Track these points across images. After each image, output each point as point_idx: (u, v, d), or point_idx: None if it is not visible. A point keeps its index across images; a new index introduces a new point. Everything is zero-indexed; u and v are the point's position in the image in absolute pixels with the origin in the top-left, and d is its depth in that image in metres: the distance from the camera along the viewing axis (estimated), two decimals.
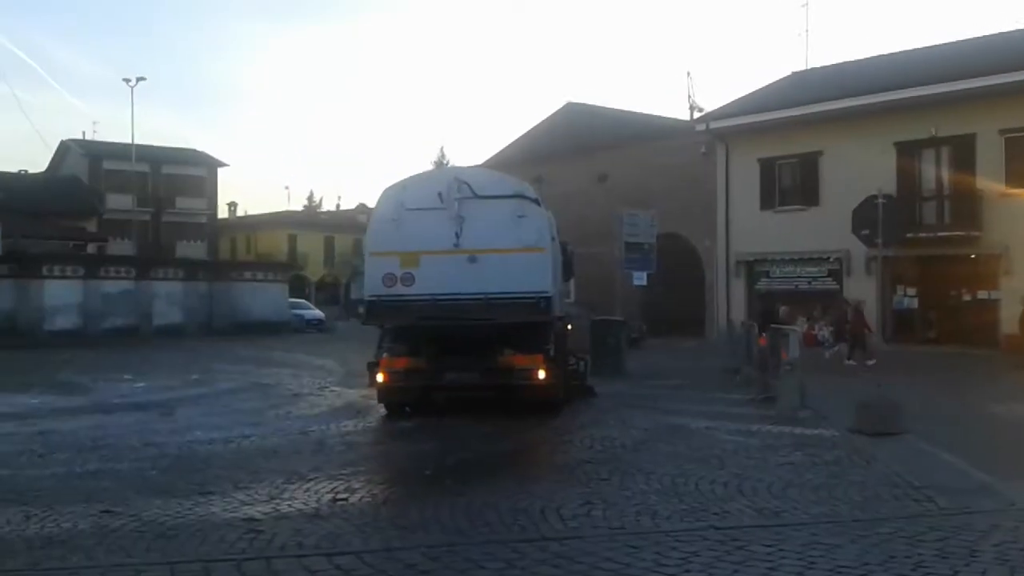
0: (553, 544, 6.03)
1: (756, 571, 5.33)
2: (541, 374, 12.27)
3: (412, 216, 12.31)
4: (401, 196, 12.62)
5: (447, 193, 12.29)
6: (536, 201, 12.80)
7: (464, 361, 12.47)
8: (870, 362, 19.66)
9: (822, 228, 26.79)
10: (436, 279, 12.15)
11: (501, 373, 12.36)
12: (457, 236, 12.20)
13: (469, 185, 12.39)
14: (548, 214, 13.24)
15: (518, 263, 12.22)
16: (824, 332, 26.90)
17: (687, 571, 5.35)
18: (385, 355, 12.70)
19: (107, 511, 7.08)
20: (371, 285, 12.50)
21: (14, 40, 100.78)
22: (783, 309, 26.78)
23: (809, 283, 28.41)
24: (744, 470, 8.65)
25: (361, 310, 13.65)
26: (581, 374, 15.41)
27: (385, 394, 12.86)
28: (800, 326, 21.07)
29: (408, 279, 12.20)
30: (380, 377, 12.56)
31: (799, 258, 28.35)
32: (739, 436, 10.71)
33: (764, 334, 19.54)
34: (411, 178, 13.46)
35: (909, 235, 22.83)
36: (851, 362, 20.00)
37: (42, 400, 15.02)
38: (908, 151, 25.85)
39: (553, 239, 13.14)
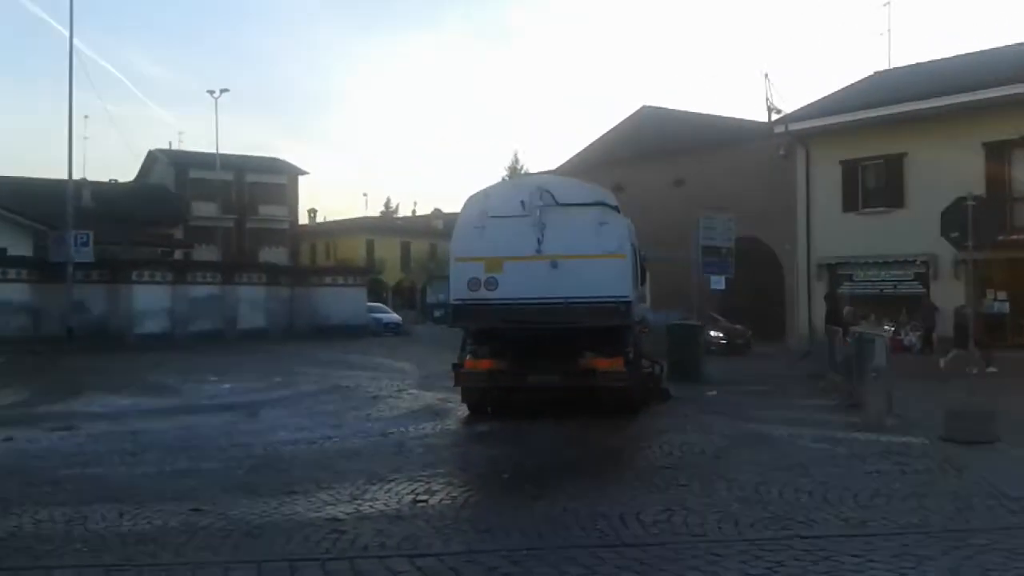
0: (633, 550, 5.98)
1: None
2: (621, 377, 12.58)
3: (496, 223, 12.74)
4: (485, 204, 13.09)
5: (530, 201, 12.68)
6: (616, 208, 13.10)
7: (546, 363, 12.73)
8: (991, 369, 18.59)
9: (907, 231, 26.03)
10: (519, 284, 12.52)
11: (582, 375, 12.64)
12: (539, 242, 12.54)
13: (551, 193, 12.74)
14: (628, 221, 13.48)
15: (599, 269, 12.51)
16: (911, 337, 26.19)
17: None
18: (469, 357, 13.04)
19: (196, 509, 7.27)
20: (456, 289, 12.92)
21: (103, 55, 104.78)
22: (848, 310, 26.14)
23: (894, 287, 27.62)
24: (829, 478, 8.46)
25: (437, 314, 14.04)
26: (656, 377, 15.53)
27: (468, 395, 13.32)
28: (886, 331, 20.40)
29: (492, 283, 12.60)
30: (464, 378, 13.04)
31: (883, 261, 27.58)
32: (824, 444, 10.48)
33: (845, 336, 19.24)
34: (494, 186, 14.04)
35: (1000, 237, 22.02)
36: (992, 369, 18.62)
37: (133, 401, 15.49)
38: (997, 152, 24.93)
39: (632, 246, 13.36)
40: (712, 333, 27.16)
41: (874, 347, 12.75)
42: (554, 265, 12.48)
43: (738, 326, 28.56)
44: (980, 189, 21.76)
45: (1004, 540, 6.17)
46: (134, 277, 33.18)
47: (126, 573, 5.54)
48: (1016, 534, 6.37)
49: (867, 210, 28.04)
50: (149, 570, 5.61)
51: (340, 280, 40.69)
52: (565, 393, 13.26)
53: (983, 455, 9.53)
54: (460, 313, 12.99)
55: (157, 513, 7.18)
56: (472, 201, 13.38)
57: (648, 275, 15.78)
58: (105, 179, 56.74)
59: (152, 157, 61.60)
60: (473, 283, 12.68)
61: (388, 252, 69.38)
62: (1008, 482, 8.06)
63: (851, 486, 8.08)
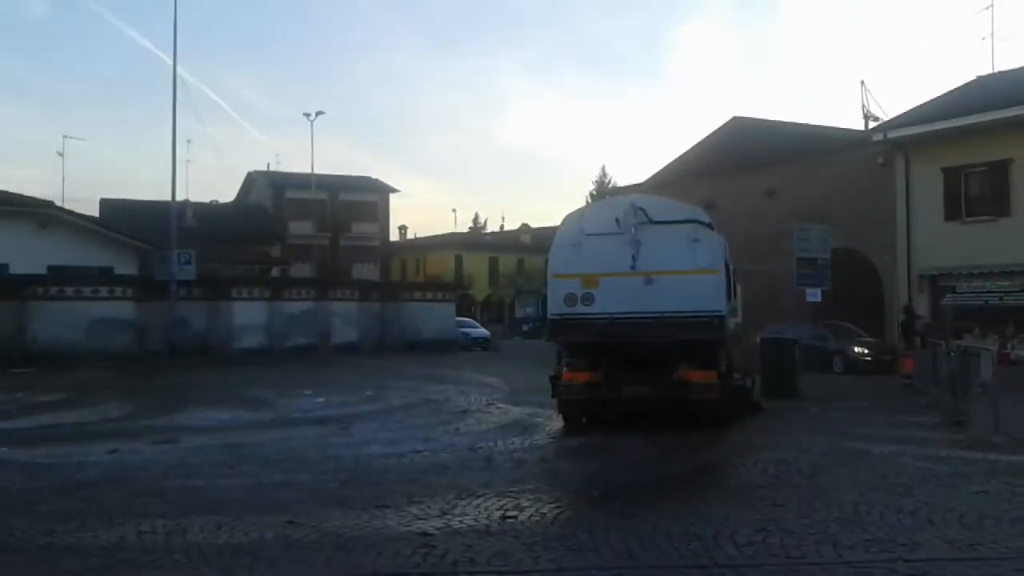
0: (727, 571, 5.84)
1: None
2: (714, 390, 12.89)
3: (591, 241, 13.14)
4: (581, 222, 13.51)
5: (624, 219, 13.02)
6: (710, 225, 13.39)
7: (641, 376, 13.12)
8: None
9: (1014, 240, 24.97)
10: (614, 299, 12.87)
11: (675, 388, 12.95)
12: (634, 259, 12.88)
13: (645, 211, 13.07)
14: (721, 238, 13.75)
15: (692, 284, 12.78)
16: (1020, 350, 25.04)
17: None
18: (566, 370, 13.51)
19: (291, 522, 7.40)
20: (554, 304, 13.29)
21: (205, 81, 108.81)
22: (920, 322, 25.12)
23: (1000, 299, 26.43)
24: (933, 499, 8.13)
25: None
26: (748, 390, 15.63)
27: (566, 407, 13.73)
28: (992, 344, 19.55)
29: (588, 299, 12.99)
30: (562, 391, 13.49)
31: (989, 272, 26.44)
32: (927, 462, 10.08)
33: (909, 351, 18.80)
34: (590, 205, 15.07)
35: None
36: None
37: (232, 415, 15.89)
38: None
39: (725, 261, 13.58)
40: (856, 349, 26.01)
41: (979, 361, 12.22)
42: (648, 281, 12.80)
43: (882, 341, 26.66)
44: None
45: None
46: (233, 294, 34.16)
47: None
48: None
49: (971, 219, 26.96)
50: None
51: (430, 295, 41.12)
52: (659, 405, 13.43)
53: None
54: (557, 328, 13.31)
55: (253, 525, 7.33)
56: (569, 219, 13.81)
57: (739, 289, 15.85)
58: (207, 200, 58.90)
59: (251, 178, 63.65)
60: (570, 298, 13.05)
61: (476, 267, 69.92)
62: None
63: (956, 507, 7.75)
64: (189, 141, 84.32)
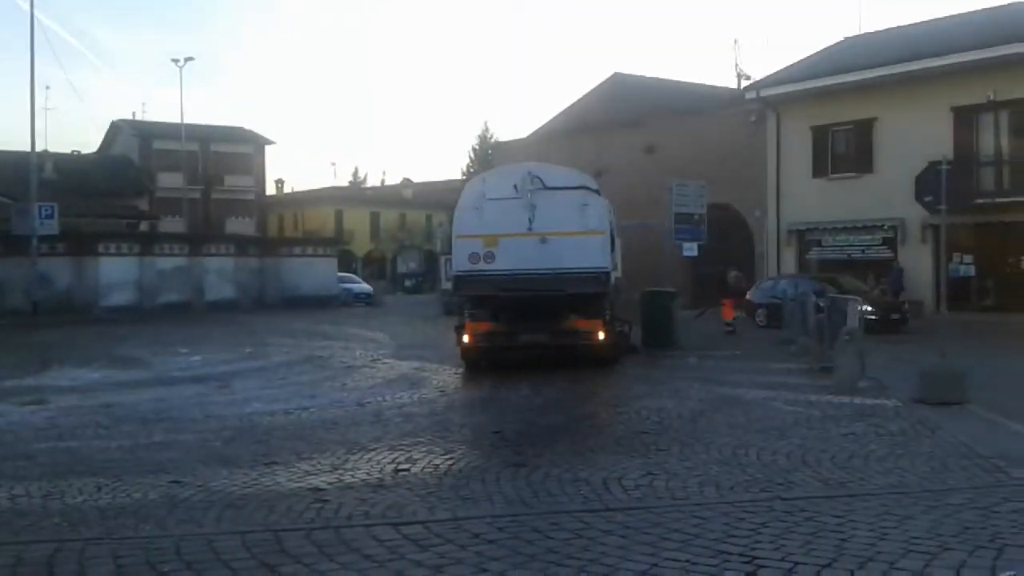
0: (618, 514, 6.00)
1: (829, 542, 5.25)
2: (600, 335, 14.52)
3: (492, 205, 14.51)
4: (482, 187, 15.02)
5: (521, 185, 14.39)
6: (597, 191, 15.03)
7: (536, 324, 14.60)
8: None
9: (876, 196, 26.33)
10: (513, 257, 14.27)
11: (567, 334, 14.56)
12: (530, 221, 14.27)
13: (540, 178, 14.49)
14: (607, 202, 15.28)
15: (582, 244, 14.25)
16: None
17: (758, 542, 5.27)
18: (469, 320, 14.85)
19: (175, 481, 7.20)
20: (458, 262, 14.70)
21: (65, 26, 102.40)
22: (732, 275, 26.44)
23: (863, 252, 27.91)
24: (805, 441, 8.56)
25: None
26: (626, 335, 17.30)
27: (469, 352, 15.04)
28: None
29: (490, 257, 14.37)
30: (466, 338, 14.82)
31: (852, 227, 27.82)
32: (798, 407, 10.59)
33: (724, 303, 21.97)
34: (490, 172, 16.59)
35: (977, 201, 22.31)
36: None
37: (103, 374, 15.31)
38: (965, 116, 25.22)
39: (610, 223, 15.18)
40: (861, 307, 24.68)
41: (846, 311, 12.86)
42: (543, 241, 14.20)
43: (892, 298, 24.22)
44: (949, 154, 21.94)
45: (980, 499, 6.26)
46: (100, 249, 32.77)
47: (107, 546, 5.45)
48: (991, 492, 6.47)
49: (836, 176, 28.27)
50: (131, 543, 5.52)
51: (310, 251, 40.41)
52: (552, 351, 14.82)
53: (955, 416, 9.67)
54: (462, 283, 14.69)
55: (136, 486, 7.09)
56: (471, 185, 15.51)
57: (619, 245, 17.45)
58: (68, 151, 55.73)
59: (115, 128, 60.53)
60: (473, 257, 14.38)
61: (357, 222, 68.87)
62: (980, 442, 8.18)
63: (827, 448, 8.18)
64: (48, 88, 79.64)
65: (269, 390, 13.05)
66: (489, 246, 14.34)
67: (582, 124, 36.35)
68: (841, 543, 5.24)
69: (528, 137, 41.01)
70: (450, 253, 15.71)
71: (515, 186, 14.45)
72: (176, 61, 49.88)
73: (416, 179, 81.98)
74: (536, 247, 14.18)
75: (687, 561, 4.96)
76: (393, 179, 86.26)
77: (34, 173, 31.72)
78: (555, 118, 40.45)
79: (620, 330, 16.52)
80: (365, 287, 45.58)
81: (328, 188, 75.50)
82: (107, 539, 5.67)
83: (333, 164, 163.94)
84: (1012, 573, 4.70)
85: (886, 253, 27.08)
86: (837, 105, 27.78)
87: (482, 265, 14.36)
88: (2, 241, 31.15)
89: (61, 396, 12.45)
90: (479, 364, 14.99)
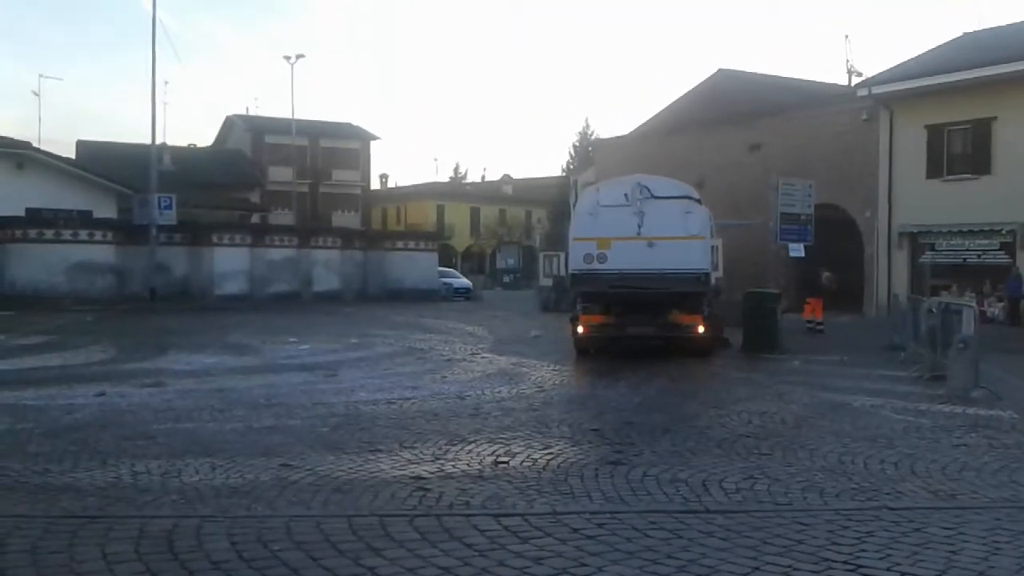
0: (718, 517, 5.95)
1: (937, 554, 5.11)
2: (700, 329, 16.19)
3: (605, 211, 16.32)
4: (596, 196, 16.99)
5: (631, 194, 16.15)
6: (699, 201, 16.68)
7: (643, 318, 16.37)
8: None
9: (994, 198, 25.22)
10: (623, 258, 15.97)
11: (670, 327, 16.35)
12: (639, 227, 15.99)
13: (648, 188, 16.21)
14: (707, 211, 16.88)
15: (684, 247, 15.92)
16: (995, 308, 25.43)
17: (863, 551, 5.17)
18: (582, 313, 16.55)
19: (285, 465, 7.47)
20: (574, 262, 16.51)
21: (183, 22, 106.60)
22: (826, 275, 25.46)
23: (979, 256, 26.74)
24: (915, 450, 8.30)
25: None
26: (721, 329, 18.31)
27: (582, 341, 16.71)
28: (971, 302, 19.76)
29: (602, 258, 16.14)
30: (580, 329, 16.53)
31: (968, 230, 26.69)
32: (907, 415, 10.28)
33: (809, 301, 22.01)
34: (604, 183, 18.45)
35: None
36: None
37: (217, 360, 15.91)
38: None
39: (710, 230, 16.86)
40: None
41: (961, 317, 12.40)
42: (650, 244, 15.88)
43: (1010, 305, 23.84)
44: None
45: None
46: (214, 240, 33.98)
47: (222, 524, 5.70)
48: None
49: (952, 177, 27.16)
50: (244, 521, 5.76)
51: (412, 244, 41.02)
52: (654, 341, 16.75)
53: None
54: (578, 280, 16.55)
55: (248, 467, 7.39)
56: (587, 193, 17.68)
57: (720, 248, 19.14)
58: (184, 144, 58.09)
59: (229, 122, 62.74)
60: (588, 257, 16.22)
61: (458, 217, 69.71)
62: None
63: (938, 459, 7.93)
64: (167, 83, 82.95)
65: (373, 380, 13.36)
66: (602, 248, 16.09)
67: (684, 121, 35.88)
68: (951, 556, 5.09)
69: (629, 134, 40.74)
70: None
71: (626, 195, 16.16)
72: (288, 58, 51.39)
73: (516, 175, 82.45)
74: (644, 249, 15.82)
75: (789, 567, 4.90)
76: (493, 175, 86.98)
77: (154, 165, 33.16)
78: (657, 115, 40.04)
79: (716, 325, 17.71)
80: (464, 282, 46.07)
81: (430, 183, 76.60)
82: (221, 517, 5.92)
83: (435, 160, 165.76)
84: None
85: (1003, 258, 25.90)
86: (954, 103, 26.69)
87: (596, 264, 16.13)
88: (123, 230, 32.69)
89: (178, 380, 13.03)
90: (590, 352, 16.65)
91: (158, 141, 35.54)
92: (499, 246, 65.61)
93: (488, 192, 78.38)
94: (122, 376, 13.42)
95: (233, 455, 7.89)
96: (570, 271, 16.81)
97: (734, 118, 33.35)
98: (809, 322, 22.49)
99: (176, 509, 6.18)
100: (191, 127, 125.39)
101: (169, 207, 32.62)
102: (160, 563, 4.94)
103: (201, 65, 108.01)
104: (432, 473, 7.25)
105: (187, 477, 7.10)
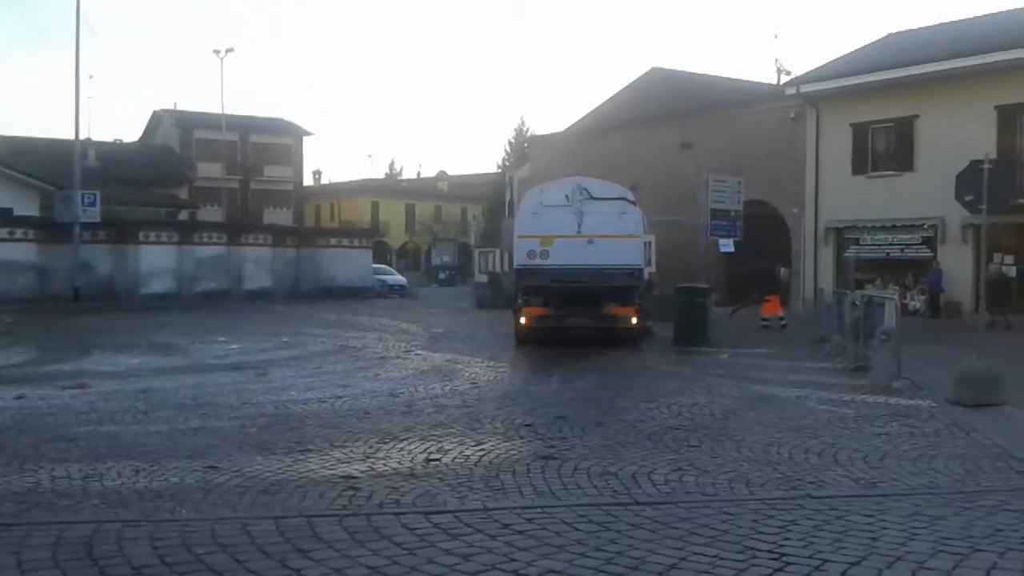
0: (647, 509, 6.02)
1: (858, 541, 5.24)
2: (633, 320, 17.58)
3: (548, 210, 17.59)
4: (540, 196, 18.24)
5: (572, 195, 17.48)
6: (634, 203, 18.14)
7: (581, 310, 17.72)
8: None
9: (917, 194, 25.93)
10: (564, 255, 17.18)
11: (606, 319, 17.63)
12: (579, 225, 17.24)
13: (587, 190, 17.58)
14: (641, 212, 18.24)
15: (620, 245, 17.22)
16: (917, 302, 26.19)
17: (787, 539, 5.28)
18: (524, 306, 17.79)
19: (211, 467, 7.32)
20: (519, 257, 17.78)
21: (109, 15, 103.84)
22: (783, 271, 26.06)
23: (901, 251, 27.51)
24: (838, 440, 8.52)
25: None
26: (647, 320, 19.54)
27: (523, 331, 17.91)
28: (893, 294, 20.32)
29: (545, 254, 17.34)
30: (523, 320, 17.81)
31: (891, 225, 27.43)
32: (831, 406, 10.53)
33: (768, 299, 22.49)
34: (547, 184, 19.51)
35: (1019, 201, 21.87)
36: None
37: (143, 360, 15.55)
38: (1009, 115, 24.71)
39: (643, 229, 18.32)
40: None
41: (883, 310, 12.74)
42: (589, 242, 17.14)
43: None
44: (991, 153, 21.51)
45: (1014, 501, 6.20)
46: (140, 237, 33.25)
47: (144, 528, 5.56)
48: None
49: (876, 173, 27.87)
50: (168, 525, 5.64)
51: (345, 242, 40.64)
52: (590, 332, 17.86)
53: (990, 418, 9.56)
54: (521, 275, 17.84)
55: (173, 470, 7.23)
56: (531, 194, 18.98)
57: (653, 246, 21.36)
58: (110, 139, 56.58)
59: (156, 117, 61.37)
60: (531, 254, 17.44)
61: (392, 214, 69.30)
62: (1016, 444, 8.09)
63: (860, 448, 8.14)
64: (92, 76, 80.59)
65: (304, 379, 13.20)
66: (545, 245, 17.28)
67: (619, 119, 36.21)
68: (871, 542, 5.22)
69: (564, 131, 40.95)
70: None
71: (567, 196, 17.45)
72: (217, 52, 50.47)
73: (452, 172, 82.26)
74: (583, 247, 17.08)
75: (715, 556, 4.98)
76: (429, 172, 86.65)
77: (77, 161, 32.25)
78: (591, 112, 40.34)
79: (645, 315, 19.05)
80: (399, 279, 45.82)
81: (364, 180, 75.96)
82: (144, 521, 5.78)
83: (370, 156, 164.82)
84: None
85: (925, 252, 26.68)
86: (878, 102, 27.38)
87: (539, 260, 17.36)
88: (46, 228, 31.72)
89: (101, 381, 12.69)
90: (530, 341, 17.73)
91: (82, 136, 34.61)
92: (434, 243, 65.36)
93: (423, 189, 78.03)
94: (43, 378, 13.03)
95: (157, 458, 7.71)
96: (514, 266, 18.15)
97: (666, 116, 33.75)
98: (766, 319, 22.23)
99: (97, 514, 6.02)
100: (117, 122, 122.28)
101: (93, 204, 31.75)
102: (79, 570, 4.81)
103: (128, 59, 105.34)
104: (362, 472, 7.19)
105: (109, 481, 6.91)
